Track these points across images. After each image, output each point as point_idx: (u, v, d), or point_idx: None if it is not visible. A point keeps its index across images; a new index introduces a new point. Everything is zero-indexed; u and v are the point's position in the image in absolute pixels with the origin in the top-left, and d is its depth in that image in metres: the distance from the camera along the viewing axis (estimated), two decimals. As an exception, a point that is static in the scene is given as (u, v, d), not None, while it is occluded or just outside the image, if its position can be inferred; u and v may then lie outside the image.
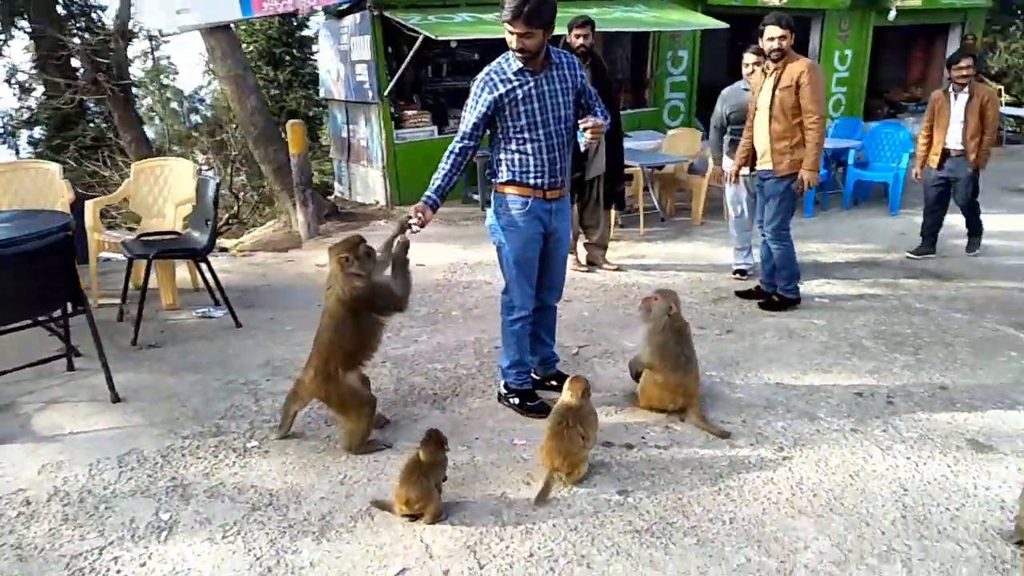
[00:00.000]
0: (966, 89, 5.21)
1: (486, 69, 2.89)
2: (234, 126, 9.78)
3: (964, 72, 5.19)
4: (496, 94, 2.81)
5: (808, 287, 4.77)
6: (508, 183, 2.97)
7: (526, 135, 2.87)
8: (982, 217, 5.63)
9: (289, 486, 2.63)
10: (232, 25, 7.55)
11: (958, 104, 5.25)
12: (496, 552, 2.27)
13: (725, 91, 5.14)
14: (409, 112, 7.86)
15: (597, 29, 4.96)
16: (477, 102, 2.85)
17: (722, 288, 4.90)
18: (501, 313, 3.19)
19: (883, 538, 2.32)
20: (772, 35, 4.14)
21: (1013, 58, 13.13)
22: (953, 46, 10.68)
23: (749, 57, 4.86)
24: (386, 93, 7.40)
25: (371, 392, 2.93)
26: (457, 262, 5.62)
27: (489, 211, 3.12)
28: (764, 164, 4.32)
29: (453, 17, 7.23)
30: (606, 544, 2.30)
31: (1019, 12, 13.62)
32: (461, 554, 2.26)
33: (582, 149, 3.46)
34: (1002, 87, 11.69)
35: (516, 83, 2.82)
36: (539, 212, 2.98)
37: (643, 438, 2.95)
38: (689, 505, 2.50)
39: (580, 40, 4.78)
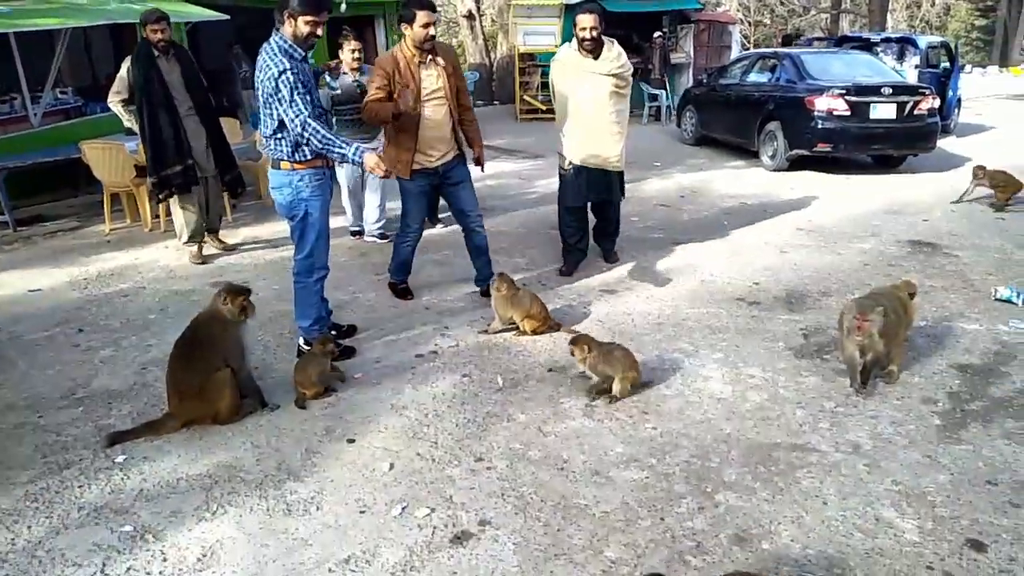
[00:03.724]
0: None
1: None
2: None
3: None
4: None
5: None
6: (310, 160, 3.55)
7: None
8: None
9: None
10: None
11: None
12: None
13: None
14: None
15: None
16: None
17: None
18: (300, 277, 3.75)
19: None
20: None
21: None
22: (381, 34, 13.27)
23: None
24: None
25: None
26: (76, 280, 5.31)
27: (283, 189, 3.59)
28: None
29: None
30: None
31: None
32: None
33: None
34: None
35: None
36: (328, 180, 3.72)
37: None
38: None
39: (159, 35, 5.07)
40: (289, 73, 3.34)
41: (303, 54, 3.48)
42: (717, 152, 10.66)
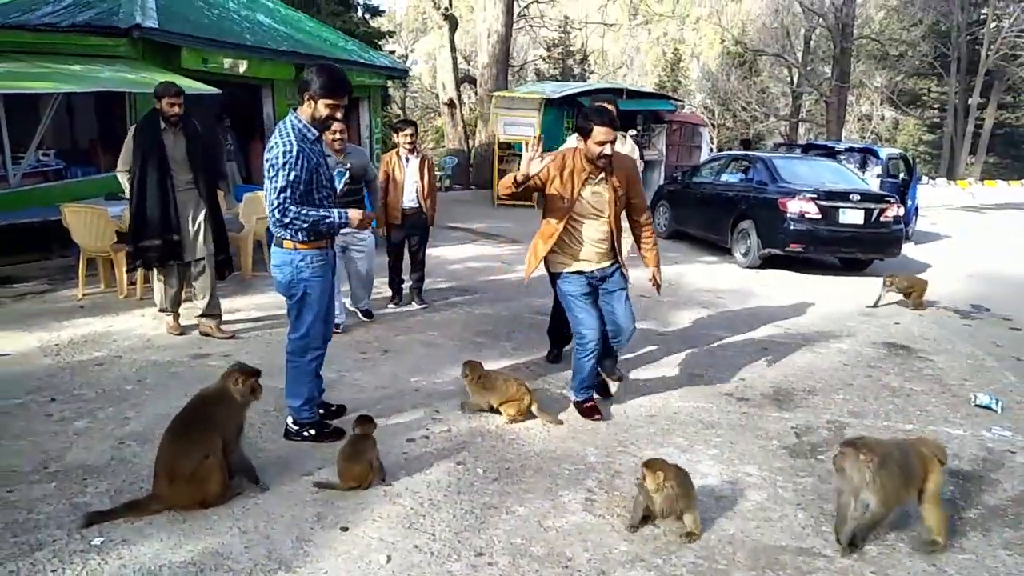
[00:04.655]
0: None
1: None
2: None
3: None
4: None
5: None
6: (313, 240, 3.55)
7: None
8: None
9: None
10: None
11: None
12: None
13: None
14: None
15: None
16: None
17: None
18: (294, 356, 3.68)
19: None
20: (604, 139, 3.83)
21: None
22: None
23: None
24: None
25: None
26: (47, 346, 5.11)
27: (284, 267, 3.55)
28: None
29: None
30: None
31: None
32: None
33: None
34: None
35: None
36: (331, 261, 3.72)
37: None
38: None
39: (175, 109, 5.10)
40: (293, 154, 3.36)
41: (316, 135, 3.52)
42: (690, 246, 10.95)
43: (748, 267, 9.40)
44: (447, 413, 4.22)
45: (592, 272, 4.12)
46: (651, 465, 2.94)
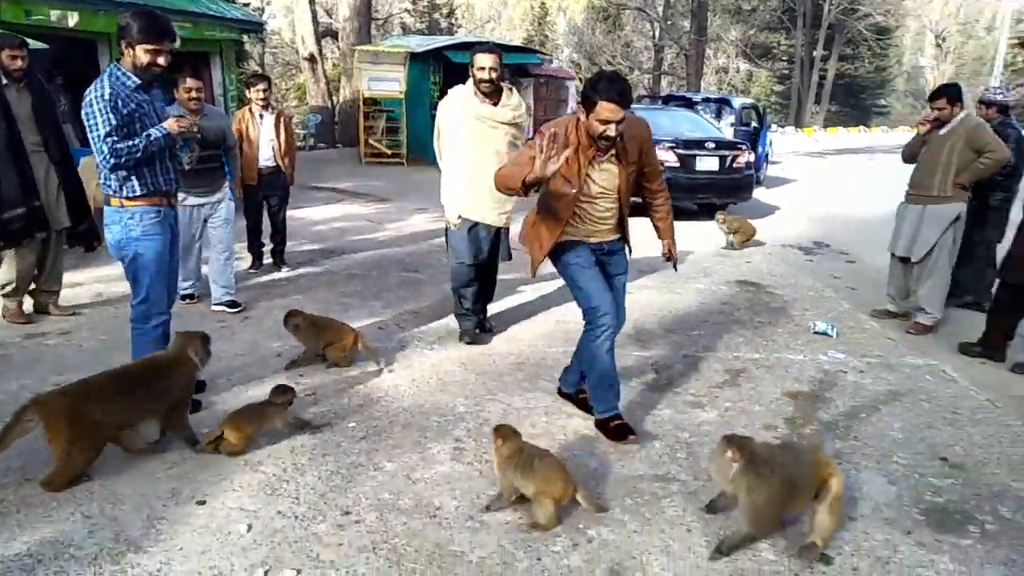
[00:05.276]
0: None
1: None
2: None
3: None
4: None
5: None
6: (142, 196, 3.32)
7: None
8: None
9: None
10: None
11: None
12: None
13: None
14: None
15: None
16: None
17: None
18: (137, 323, 3.45)
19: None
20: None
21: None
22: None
23: None
24: None
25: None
26: None
27: (112, 227, 3.32)
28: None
29: None
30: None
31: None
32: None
33: None
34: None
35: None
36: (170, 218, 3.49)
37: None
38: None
39: (18, 63, 4.55)
40: (106, 98, 3.11)
41: (139, 82, 3.25)
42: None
43: (614, 216, 9.67)
44: (311, 377, 4.11)
45: (600, 244, 3.47)
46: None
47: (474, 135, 4.36)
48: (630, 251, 3.66)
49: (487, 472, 3.13)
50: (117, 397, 2.98)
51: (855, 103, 47.64)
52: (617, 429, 3.41)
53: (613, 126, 3.04)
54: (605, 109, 3.00)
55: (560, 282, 6.29)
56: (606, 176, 3.28)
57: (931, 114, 5.13)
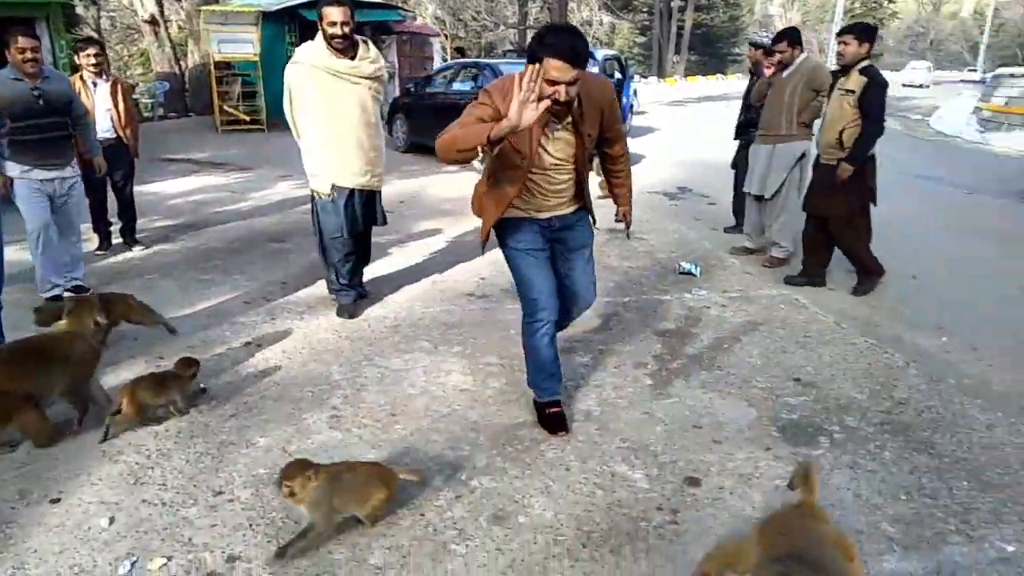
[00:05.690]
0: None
1: None
2: None
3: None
4: None
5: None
6: None
7: None
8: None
9: None
10: None
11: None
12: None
13: None
14: None
15: None
16: None
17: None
18: None
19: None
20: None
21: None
22: None
23: None
24: None
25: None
26: None
27: None
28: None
29: None
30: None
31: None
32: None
33: None
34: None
35: None
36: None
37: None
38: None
39: None
40: None
41: None
42: (429, 159, 10.96)
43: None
44: (172, 358, 3.86)
45: (549, 220, 3.06)
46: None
47: (335, 93, 4.03)
48: (594, 221, 3.27)
49: (367, 436, 3.09)
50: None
51: (712, 52, 49.69)
52: (550, 418, 3.16)
53: (563, 88, 2.56)
54: (552, 67, 2.51)
55: (433, 241, 6.28)
56: (560, 146, 2.86)
57: (775, 58, 5.39)
